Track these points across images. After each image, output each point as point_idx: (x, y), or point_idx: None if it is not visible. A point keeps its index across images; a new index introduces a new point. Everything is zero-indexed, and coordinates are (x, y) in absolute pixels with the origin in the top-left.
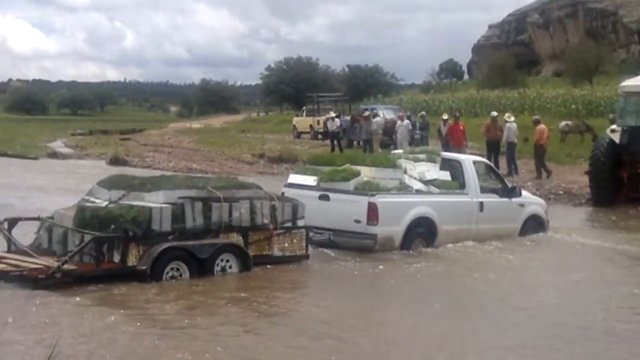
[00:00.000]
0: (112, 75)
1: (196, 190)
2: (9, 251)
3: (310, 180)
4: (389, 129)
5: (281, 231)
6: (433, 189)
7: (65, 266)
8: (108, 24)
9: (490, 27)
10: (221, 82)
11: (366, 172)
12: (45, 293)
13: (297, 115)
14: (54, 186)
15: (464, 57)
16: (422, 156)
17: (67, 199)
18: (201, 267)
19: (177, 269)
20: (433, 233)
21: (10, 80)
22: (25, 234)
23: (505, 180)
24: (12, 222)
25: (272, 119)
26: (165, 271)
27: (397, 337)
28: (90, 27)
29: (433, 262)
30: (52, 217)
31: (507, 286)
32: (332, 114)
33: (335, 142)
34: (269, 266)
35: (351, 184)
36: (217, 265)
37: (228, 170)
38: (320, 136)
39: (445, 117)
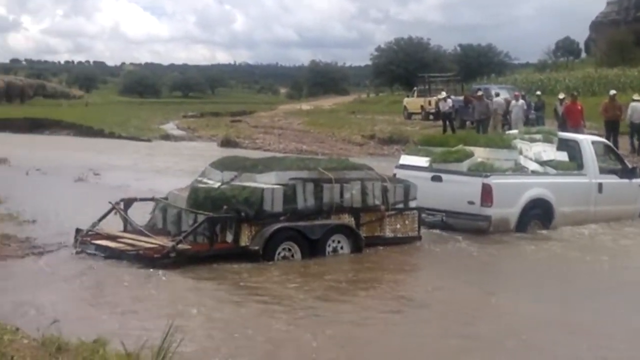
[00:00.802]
0: (222, 57)
1: (307, 171)
2: (125, 231)
3: (423, 161)
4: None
5: (393, 212)
6: (549, 170)
7: (180, 246)
8: (218, 7)
9: (608, 3)
10: (330, 63)
11: (480, 153)
12: (160, 272)
13: (407, 96)
14: (167, 167)
15: (581, 35)
16: (538, 136)
17: (180, 180)
18: (313, 248)
19: (289, 250)
20: (549, 215)
21: (123, 64)
22: (140, 214)
23: (626, 161)
24: (128, 202)
25: (382, 100)
26: (277, 251)
27: (521, 325)
28: (201, 11)
29: (549, 244)
30: (166, 198)
31: (624, 270)
32: (444, 94)
33: (447, 122)
34: (380, 248)
35: (465, 165)
36: (329, 246)
37: (338, 152)
38: (431, 117)
39: (561, 96)
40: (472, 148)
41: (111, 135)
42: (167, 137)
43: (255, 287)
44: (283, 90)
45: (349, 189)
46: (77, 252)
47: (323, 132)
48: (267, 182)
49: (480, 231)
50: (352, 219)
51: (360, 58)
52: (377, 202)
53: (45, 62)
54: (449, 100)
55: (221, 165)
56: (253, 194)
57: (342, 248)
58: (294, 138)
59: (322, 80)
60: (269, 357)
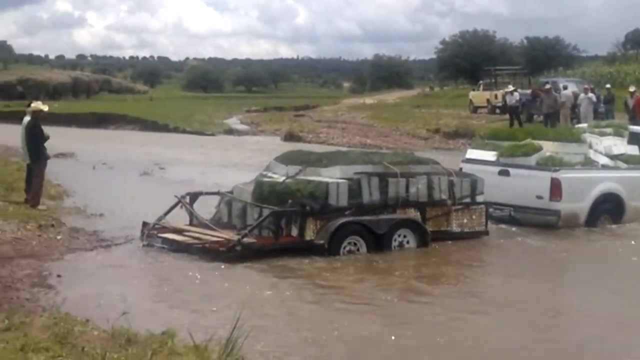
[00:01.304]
0: (285, 52)
1: (372, 165)
2: (190, 224)
3: (490, 155)
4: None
5: (460, 207)
6: (620, 164)
7: (245, 239)
8: (280, 1)
9: None
10: (394, 57)
11: (548, 147)
12: (225, 265)
13: (473, 90)
14: (231, 162)
15: None
16: (609, 130)
17: (244, 174)
18: (378, 242)
19: (355, 244)
20: (620, 210)
21: (187, 59)
22: (206, 208)
23: None
24: (194, 196)
25: (447, 93)
26: (343, 246)
27: (605, 325)
28: (263, 5)
29: (619, 240)
30: (231, 192)
31: None
32: (511, 88)
33: (514, 116)
34: (447, 242)
35: (533, 159)
36: (395, 240)
37: (403, 146)
38: (497, 110)
39: (632, 89)
40: (540, 142)
41: (175, 129)
42: (230, 131)
43: (323, 282)
44: (346, 85)
45: (414, 183)
46: (143, 245)
47: (387, 126)
48: (332, 176)
49: (549, 226)
50: (418, 213)
51: (424, 51)
52: (444, 197)
53: (110, 57)
54: (516, 94)
55: (286, 159)
56: (318, 188)
57: (408, 242)
58: (358, 132)
59: (385, 74)
60: (335, 354)
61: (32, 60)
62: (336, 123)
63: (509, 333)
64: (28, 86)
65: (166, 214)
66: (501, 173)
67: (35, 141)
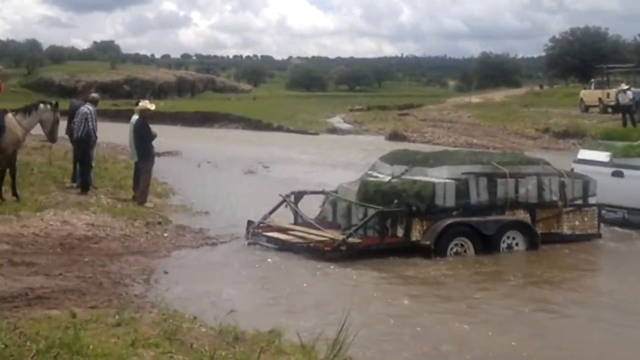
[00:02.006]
0: (389, 50)
1: (481, 165)
2: (295, 223)
3: (602, 156)
4: None
5: (571, 209)
6: None
7: (350, 239)
8: None
9: None
10: (501, 55)
11: None
12: (331, 265)
13: (584, 88)
14: (335, 161)
15: None
16: None
17: (348, 173)
18: (486, 244)
19: (462, 245)
20: None
21: (290, 57)
22: (310, 207)
23: None
24: (298, 195)
25: (557, 92)
26: (450, 247)
27: None
28: (367, 3)
29: None
30: (336, 191)
31: None
32: (624, 86)
33: (628, 115)
34: (557, 245)
35: None
36: (503, 242)
37: (510, 146)
38: (610, 110)
39: None
40: None
41: (279, 128)
42: (334, 130)
43: (430, 284)
44: (451, 83)
45: (524, 184)
46: (249, 244)
47: (494, 125)
48: (439, 176)
49: None
50: (528, 215)
51: (533, 49)
52: (554, 198)
53: (215, 56)
54: (629, 93)
55: (391, 158)
56: (424, 188)
57: (517, 245)
58: (464, 131)
59: (492, 72)
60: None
61: (138, 59)
62: (441, 122)
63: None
64: (134, 85)
65: (271, 212)
66: (615, 174)
67: (143, 140)
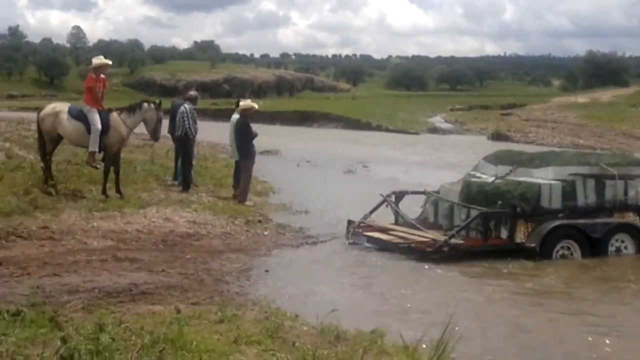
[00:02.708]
0: (491, 49)
1: (588, 166)
2: (396, 223)
3: None
4: None
5: None
6: None
7: (453, 240)
8: None
9: None
10: (608, 53)
11: None
12: (432, 266)
13: None
14: (436, 161)
15: None
16: None
17: (449, 174)
18: (593, 247)
19: (568, 248)
20: None
21: (390, 56)
22: (410, 207)
23: None
24: (399, 195)
25: None
26: (555, 249)
27: None
28: (468, 1)
29: None
30: (437, 192)
31: None
32: None
33: None
34: None
35: None
36: (611, 245)
37: (618, 146)
38: None
39: None
40: None
41: (378, 128)
42: (434, 130)
43: (538, 287)
44: (556, 83)
45: (633, 186)
46: (349, 244)
47: (601, 125)
48: (544, 177)
49: None
50: (637, 217)
51: None
52: None
53: (314, 56)
54: None
55: (495, 159)
56: (529, 190)
57: (625, 248)
58: (569, 132)
59: (599, 71)
60: None
61: (237, 59)
62: (546, 122)
63: None
64: (234, 84)
65: (371, 212)
66: None
67: (244, 139)
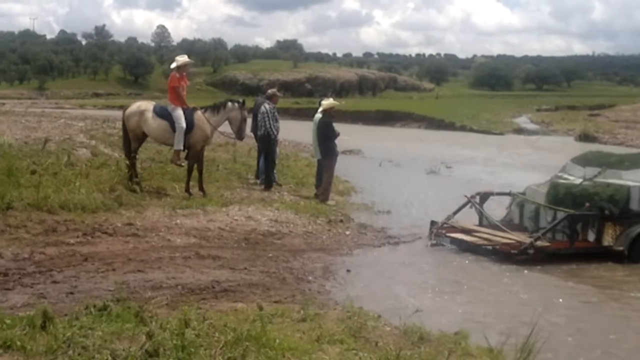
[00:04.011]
0: (579, 49)
1: None
2: (480, 225)
3: None
4: None
5: None
6: None
7: (538, 242)
8: None
9: None
10: None
11: None
12: (517, 268)
13: None
14: (521, 162)
15: None
16: None
17: (535, 175)
18: None
19: None
20: None
21: (474, 56)
22: (494, 209)
23: None
24: (484, 196)
25: None
26: None
27: None
28: (556, 0)
29: None
30: (523, 193)
31: None
32: None
33: None
34: None
35: None
36: None
37: None
38: None
39: None
40: None
41: (462, 128)
42: (519, 130)
43: (626, 293)
44: None
45: None
46: (432, 244)
47: None
48: (635, 179)
49: None
50: None
51: None
52: None
53: (397, 55)
54: None
55: (583, 160)
56: (618, 192)
57: None
58: None
59: None
60: None
61: (320, 58)
62: (636, 123)
63: None
64: (316, 84)
65: (455, 213)
66: None
67: (327, 138)
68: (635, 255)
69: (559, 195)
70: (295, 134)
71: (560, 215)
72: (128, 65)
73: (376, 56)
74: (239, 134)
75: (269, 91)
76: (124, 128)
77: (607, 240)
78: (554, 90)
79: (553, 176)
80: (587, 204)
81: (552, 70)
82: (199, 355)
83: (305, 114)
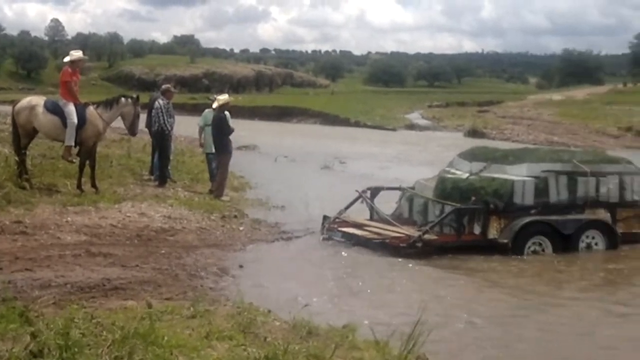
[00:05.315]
0: (469, 46)
1: (561, 163)
2: (371, 219)
3: None
4: None
5: None
6: None
7: (427, 236)
8: None
9: None
10: (584, 52)
11: None
12: (405, 261)
13: None
14: (412, 157)
15: None
16: None
17: (425, 170)
18: (565, 243)
19: (540, 244)
20: None
21: (369, 53)
22: (386, 203)
23: None
24: (375, 191)
25: None
26: (527, 245)
27: None
28: None
29: None
30: (413, 188)
31: None
32: None
33: None
34: (638, 245)
35: None
36: (582, 241)
37: (592, 144)
38: None
39: None
40: None
41: (356, 124)
42: (412, 126)
43: (508, 282)
44: (532, 80)
45: (605, 183)
46: (324, 239)
47: (575, 123)
48: (518, 173)
49: None
50: (608, 214)
51: (617, 46)
52: (636, 198)
53: (293, 51)
54: None
55: (470, 155)
56: (503, 186)
57: (596, 244)
58: (544, 129)
59: (575, 69)
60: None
61: (217, 53)
62: (521, 119)
63: None
64: (213, 79)
65: (347, 208)
66: None
67: (221, 134)
68: (519, 247)
69: (447, 189)
70: (192, 130)
71: (448, 209)
72: (20, 60)
73: (273, 52)
74: (132, 130)
75: (163, 87)
76: (14, 123)
77: (492, 233)
78: (444, 87)
79: (441, 171)
80: (473, 198)
81: (443, 67)
82: (84, 354)
83: (202, 110)
